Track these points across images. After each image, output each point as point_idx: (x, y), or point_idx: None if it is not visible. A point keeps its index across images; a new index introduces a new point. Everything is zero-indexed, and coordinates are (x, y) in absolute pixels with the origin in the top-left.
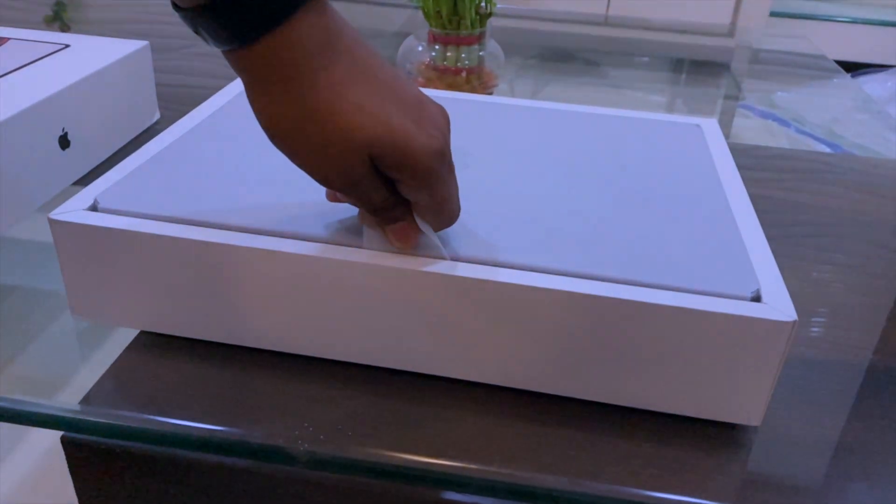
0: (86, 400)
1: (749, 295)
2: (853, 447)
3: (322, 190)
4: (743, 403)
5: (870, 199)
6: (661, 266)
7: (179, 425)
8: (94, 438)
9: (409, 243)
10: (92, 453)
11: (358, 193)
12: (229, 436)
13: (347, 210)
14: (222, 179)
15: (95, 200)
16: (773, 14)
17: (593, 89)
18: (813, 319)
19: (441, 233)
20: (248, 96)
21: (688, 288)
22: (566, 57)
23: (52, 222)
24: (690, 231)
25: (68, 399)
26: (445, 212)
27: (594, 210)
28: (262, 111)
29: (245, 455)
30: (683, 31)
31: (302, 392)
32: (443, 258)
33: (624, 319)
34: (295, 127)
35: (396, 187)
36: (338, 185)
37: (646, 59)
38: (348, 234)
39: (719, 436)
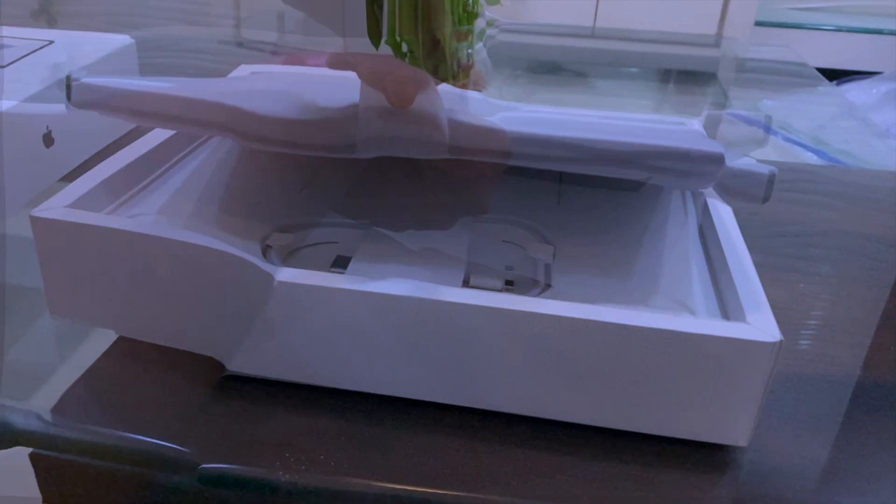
0: (55, 411)
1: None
2: (842, 466)
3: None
4: (729, 424)
5: (857, 211)
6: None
7: (152, 443)
8: (64, 456)
9: (407, 96)
10: (63, 470)
11: None
12: (205, 460)
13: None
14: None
15: (69, 75)
16: (759, 23)
17: (581, 100)
18: (801, 333)
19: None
20: None
21: (678, 148)
22: (554, 69)
23: (34, 219)
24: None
25: (41, 404)
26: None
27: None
28: None
29: (223, 485)
30: (670, 42)
31: (282, 419)
32: (439, 122)
33: (608, 342)
34: None
35: None
36: None
37: (633, 69)
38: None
39: (706, 457)
